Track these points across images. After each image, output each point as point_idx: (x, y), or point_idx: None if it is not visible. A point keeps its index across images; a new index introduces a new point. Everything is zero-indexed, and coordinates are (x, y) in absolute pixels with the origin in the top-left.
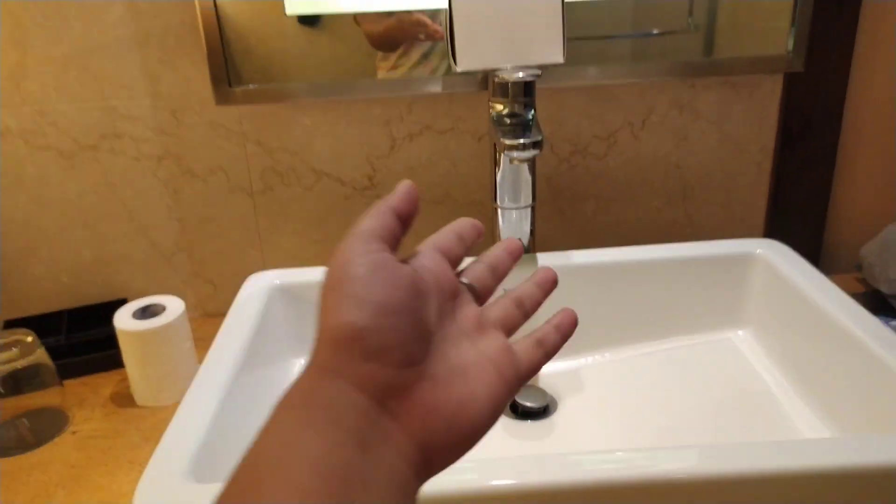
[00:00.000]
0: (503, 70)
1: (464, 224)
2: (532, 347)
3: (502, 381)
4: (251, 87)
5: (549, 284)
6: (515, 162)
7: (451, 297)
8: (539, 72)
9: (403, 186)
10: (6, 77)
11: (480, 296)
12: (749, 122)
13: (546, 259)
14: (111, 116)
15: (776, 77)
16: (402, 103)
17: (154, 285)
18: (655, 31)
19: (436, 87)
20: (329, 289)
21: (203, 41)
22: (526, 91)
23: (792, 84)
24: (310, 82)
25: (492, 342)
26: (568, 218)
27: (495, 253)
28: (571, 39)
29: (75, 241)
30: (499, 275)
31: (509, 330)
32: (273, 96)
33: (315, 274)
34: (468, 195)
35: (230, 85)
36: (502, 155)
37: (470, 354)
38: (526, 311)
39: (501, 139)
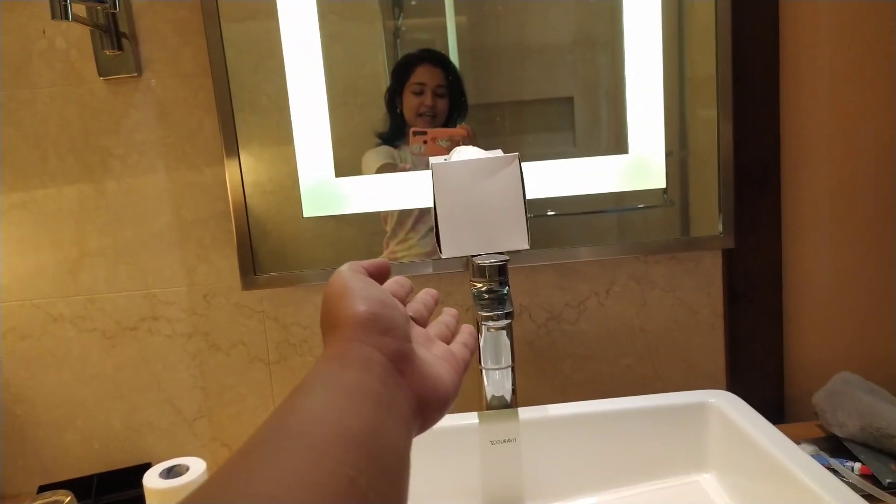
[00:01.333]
0: (479, 256)
1: (407, 284)
2: (462, 349)
3: (455, 370)
4: (272, 274)
5: (436, 301)
6: (493, 330)
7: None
8: (507, 258)
9: (379, 260)
10: (66, 272)
11: (420, 323)
12: (698, 290)
13: (525, 412)
14: (151, 302)
15: (715, 252)
16: None
17: (176, 450)
18: (640, 206)
19: (427, 269)
20: (336, 297)
21: (234, 237)
22: (500, 272)
23: (732, 255)
24: (320, 268)
25: (439, 348)
26: (549, 376)
27: (425, 298)
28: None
29: (108, 410)
30: (429, 309)
31: (445, 340)
32: (289, 281)
33: None
34: None
35: (255, 274)
36: (482, 324)
37: (429, 356)
38: (450, 329)
39: (479, 312)
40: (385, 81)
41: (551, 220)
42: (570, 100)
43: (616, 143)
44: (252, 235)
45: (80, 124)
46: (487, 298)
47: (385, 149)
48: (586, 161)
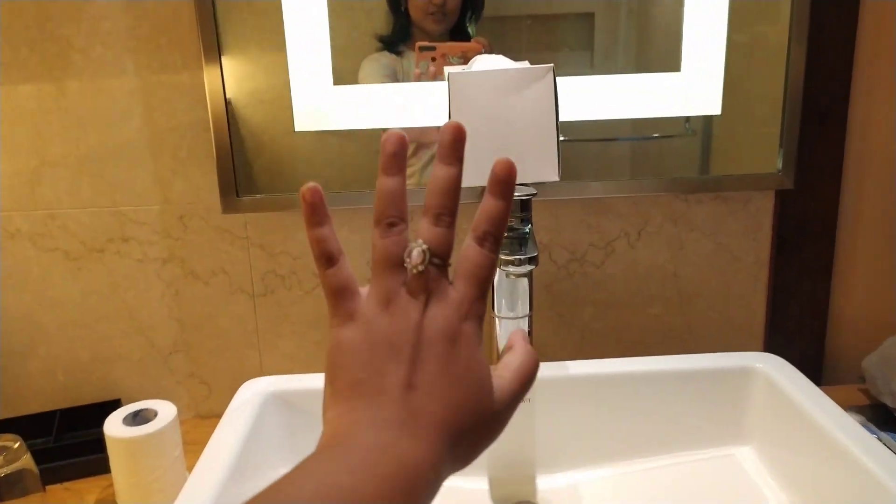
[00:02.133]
0: None
1: None
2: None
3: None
4: (258, 196)
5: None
6: (512, 276)
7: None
8: (534, 191)
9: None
10: (23, 183)
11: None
12: (743, 234)
13: (543, 370)
14: (120, 221)
15: (767, 193)
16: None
17: (149, 385)
18: (655, 135)
19: None
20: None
21: (214, 151)
22: (523, 207)
23: (785, 197)
24: None
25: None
26: (567, 323)
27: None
28: (569, 142)
29: (74, 340)
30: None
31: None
32: (279, 205)
33: (311, 381)
34: None
35: (238, 195)
36: (499, 269)
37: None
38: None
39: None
40: None
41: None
42: (590, 16)
43: (640, 62)
44: (235, 150)
45: (36, 8)
46: (507, 238)
47: (385, 59)
48: (627, 79)
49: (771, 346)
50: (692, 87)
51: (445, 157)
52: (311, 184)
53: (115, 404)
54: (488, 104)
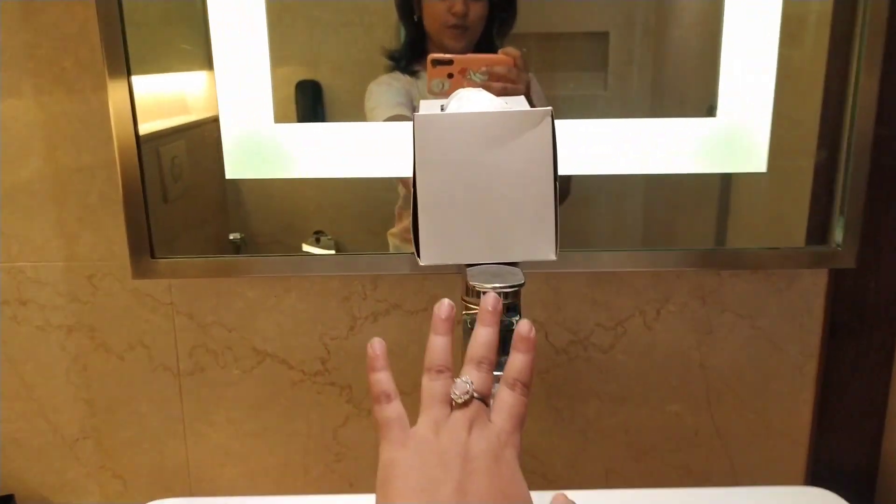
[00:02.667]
0: (476, 274)
1: None
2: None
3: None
4: (181, 259)
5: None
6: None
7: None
8: (522, 281)
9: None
10: None
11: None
12: (788, 318)
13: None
14: (16, 280)
15: (819, 270)
16: (366, 278)
17: (52, 478)
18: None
19: (402, 269)
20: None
21: (122, 201)
22: (508, 298)
23: (841, 273)
24: (254, 255)
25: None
26: (565, 420)
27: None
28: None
29: None
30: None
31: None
32: (207, 270)
33: None
34: None
35: (153, 255)
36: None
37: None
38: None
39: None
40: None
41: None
42: (604, 35)
43: (657, 86)
44: (149, 197)
45: None
46: None
47: (398, 82)
48: (649, 124)
49: (818, 456)
50: (731, 136)
51: (485, 321)
52: (376, 339)
53: (5, 501)
54: (465, 157)
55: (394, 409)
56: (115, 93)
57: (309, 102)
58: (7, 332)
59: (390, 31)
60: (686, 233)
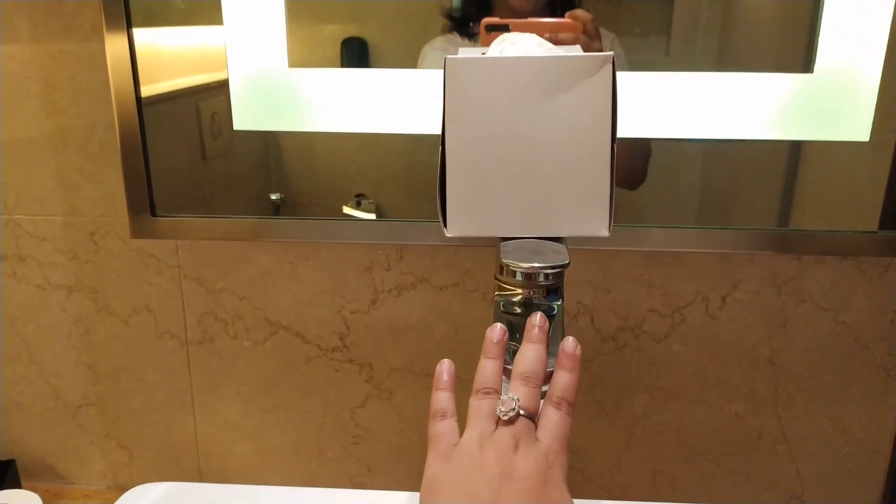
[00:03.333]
0: (511, 250)
1: None
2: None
3: None
4: (184, 217)
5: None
6: None
7: None
8: (566, 260)
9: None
10: None
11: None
12: (878, 313)
13: None
14: (14, 234)
15: None
16: (390, 247)
17: (53, 444)
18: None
19: (430, 239)
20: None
21: (119, 151)
22: (549, 279)
23: None
24: (267, 218)
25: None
26: (609, 415)
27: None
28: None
29: None
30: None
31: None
32: (214, 232)
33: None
34: (472, 370)
35: (154, 213)
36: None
37: None
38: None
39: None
40: None
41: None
42: None
43: (725, 52)
44: (150, 150)
45: None
46: (520, 316)
47: (453, 47)
48: (726, 79)
49: None
50: (831, 95)
51: (533, 338)
52: (446, 361)
53: (7, 465)
54: (505, 110)
55: (447, 426)
56: (114, 45)
57: (355, 61)
58: (6, 290)
59: None
60: (752, 208)
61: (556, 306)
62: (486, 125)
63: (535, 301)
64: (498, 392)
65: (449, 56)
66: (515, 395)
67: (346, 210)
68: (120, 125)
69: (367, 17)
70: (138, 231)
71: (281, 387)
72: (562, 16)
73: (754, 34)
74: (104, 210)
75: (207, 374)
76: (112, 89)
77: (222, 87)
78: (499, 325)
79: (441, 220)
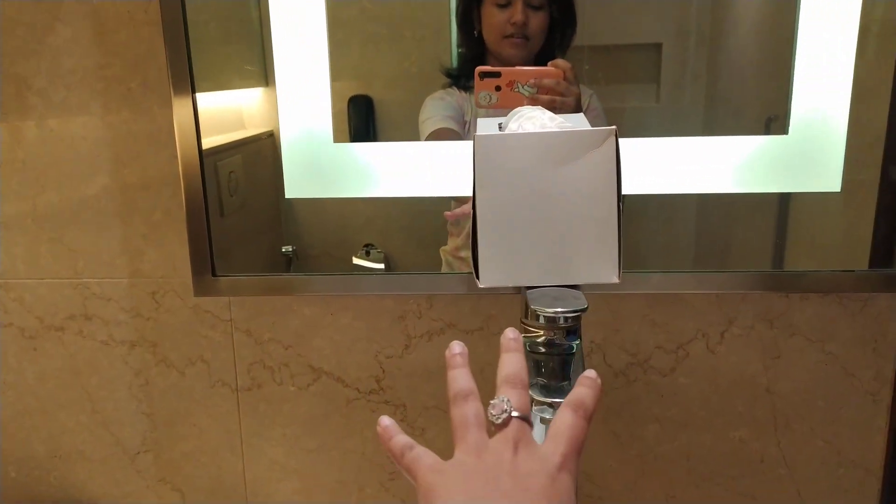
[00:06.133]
0: (537, 297)
1: None
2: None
3: None
4: (242, 277)
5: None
6: (545, 421)
7: None
8: (585, 305)
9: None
10: None
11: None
12: (860, 343)
13: None
14: (83, 295)
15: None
16: (421, 297)
17: (113, 489)
18: None
19: (458, 289)
20: None
21: (185, 219)
22: (568, 321)
23: None
24: (310, 274)
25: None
26: (623, 444)
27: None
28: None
29: (29, 430)
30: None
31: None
32: (268, 288)
33: None
34: None
35: (214, 274)
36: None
37: None
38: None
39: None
40: (450, 17)
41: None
42: (657, 46)
43: (711, 97)
44: (212, 215)
45: None
46: (544, 354)
47: (451, 98)
48: (712, 142)
49: (893, 487)
50: (804, 153)
51: (511, 348)
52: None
53: None
54: (526, 178)
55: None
56: (180, 110)
57: (361, 117)
58: (73, 347)
59: (442, 46)
60: (742, 251)
61: (575, 345)
62: (511, 190)
63: (557, 341)
64: (476, 394)
65: (478, 134)
66: (505, 396)
67: (356, 260)
68: (185, 182)
69: (372, 75)
70: (201, 290)
71: (323, 428)
72: (544, 64)
73: (730, 88)
74: (165, 271)
75: (255, 417)
76: (178, 143)
77: (237, 147)
78: (455, 341)
79: (474, 272)
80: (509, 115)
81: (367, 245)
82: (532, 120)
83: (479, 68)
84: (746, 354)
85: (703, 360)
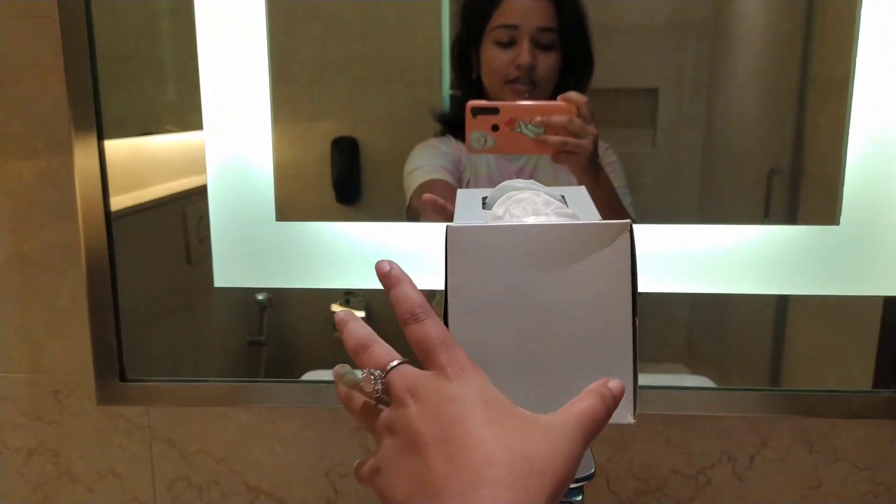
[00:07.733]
0: None
1: None
2: None
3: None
4: (158, 382)
5: None
6: None
7: None
8: (592, 471)
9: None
10: None
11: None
12: None
13: None
14: None
15: None
16: None
17: None
18: None
19: None
20: None
21: (86, 310)
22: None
23: None
24: (249, 381)
25: None
26: None
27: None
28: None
29: None
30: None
31: None
32: (191, 399)
33: None
34: None
35: (123, 378)
36: None
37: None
38: None
39: None
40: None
41: None
42: (653, 91)
43: (711, 148)
44: (122, 305)
45: None
46: None
47: (446, 146)
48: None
49: None
50: (859, 248)
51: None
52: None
53: None
54: (512, 283)
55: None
56: (82, 161)
57: (345, 160)
58: None
59: (433, 90)
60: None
61: (575, 502)
62: (492, 301)
63: None
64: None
65: (450, 224)
66: (364, 368)
67: (335, 308)
68: (86, 255)
69: (358, 116)
70: (104, 398)
71: None
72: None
73: (739, 133)
74: (72, 367)
75: None
76: (77, 193)
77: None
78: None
79: None
80: (496, 189)
81: (347, 292)
82: (522, 203)
83: (472, 103)
84: (782, 482)
85: (728, 488)
